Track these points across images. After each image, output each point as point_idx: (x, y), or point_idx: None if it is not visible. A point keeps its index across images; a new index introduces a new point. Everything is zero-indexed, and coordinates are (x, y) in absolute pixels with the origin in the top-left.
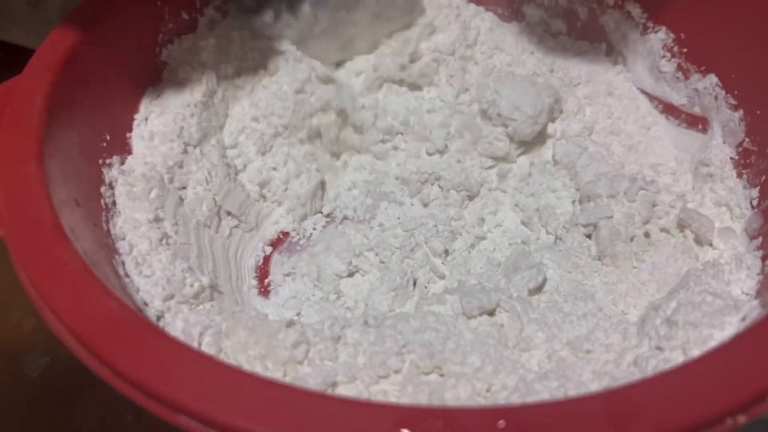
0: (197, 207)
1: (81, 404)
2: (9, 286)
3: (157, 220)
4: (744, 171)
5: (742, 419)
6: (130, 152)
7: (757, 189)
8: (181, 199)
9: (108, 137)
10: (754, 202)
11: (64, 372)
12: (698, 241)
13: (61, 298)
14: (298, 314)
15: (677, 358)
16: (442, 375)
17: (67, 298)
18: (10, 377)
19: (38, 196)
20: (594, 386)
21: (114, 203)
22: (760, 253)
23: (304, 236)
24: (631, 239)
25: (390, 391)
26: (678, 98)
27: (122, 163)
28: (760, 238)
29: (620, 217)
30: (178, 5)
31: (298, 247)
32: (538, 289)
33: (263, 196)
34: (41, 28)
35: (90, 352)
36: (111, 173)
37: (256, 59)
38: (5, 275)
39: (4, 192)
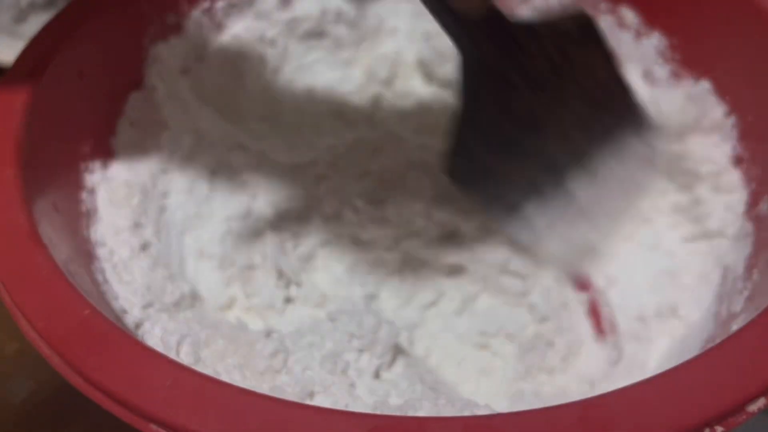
0: (181, 215)
1: (67, 430)
2: None
3: (139, 226)
4: None
5: (719, 430)
6: (113, 157)
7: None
8: (165, 207)
9: (91, 141)
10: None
11: (49, 397)
12: None
13: (34, 304)
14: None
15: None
16: None
17: (41, 304)
18: None
19: (15, 202)
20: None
21: (95, 209)
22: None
23: None
24: None
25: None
26: (671, 103)
27: (105, 168)
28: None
29: None
30: (163, 7)
31: None
32: None
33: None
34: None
35: (62, 359)
36: (93, 178)
37: None
38: None
39: None
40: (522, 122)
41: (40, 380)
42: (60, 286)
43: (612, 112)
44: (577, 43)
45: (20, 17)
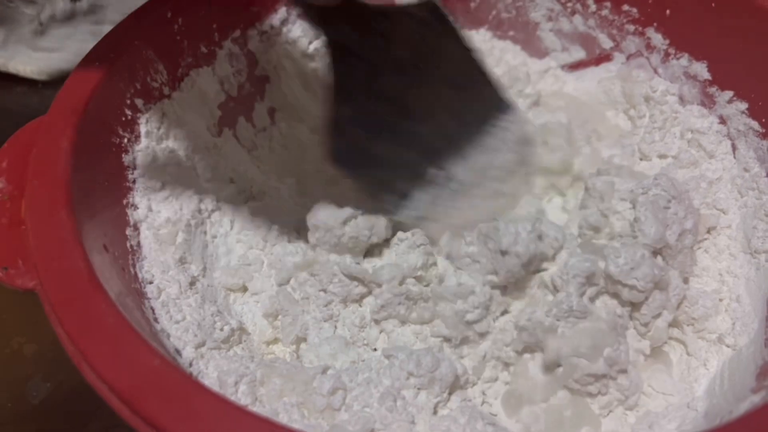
0: (223, 249)
1: (84, 431)
2: (9, 312)
3: (184, 262)
4: None
5: None
6: (156, 190)
7: None
8: (207, 242)
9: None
10: None
11: (67, 398)
12: None
13: (102, 356)
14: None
15: None
16: None
17: (109, 355)
18: (12, 404)
19: (71, 247)
20: None
21: (139, 245)
22: None
23: None
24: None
25: None
26: (703, 124)
27: (148, 202)
28: None
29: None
30: (197, 38)
31: None
32: None
33: None
34: (44, 56)
35: (134, 412)
36: (136, 214)
37: None
38: (5, 301)
39: (36, 242)
40: (390, 104)
41: (58, 381)
42: (127, 335)
43: (475, 96)
44: (435, 31)
45: (39, 30)
